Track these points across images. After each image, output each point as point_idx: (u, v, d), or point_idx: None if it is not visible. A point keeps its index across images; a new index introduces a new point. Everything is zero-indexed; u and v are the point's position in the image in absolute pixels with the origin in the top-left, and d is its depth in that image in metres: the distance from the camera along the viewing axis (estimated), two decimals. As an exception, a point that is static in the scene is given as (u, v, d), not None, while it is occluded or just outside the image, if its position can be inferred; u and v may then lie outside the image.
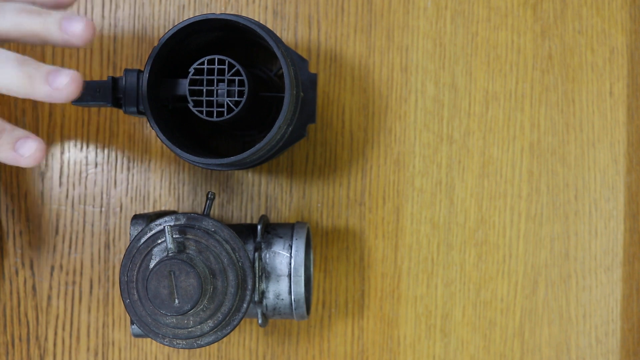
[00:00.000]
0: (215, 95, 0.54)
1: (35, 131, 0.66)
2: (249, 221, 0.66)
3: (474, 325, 0.66)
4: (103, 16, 0.66)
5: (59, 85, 0.48)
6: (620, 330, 0.67)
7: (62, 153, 0.66)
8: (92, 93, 0.56)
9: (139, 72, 0.55)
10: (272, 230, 0.60)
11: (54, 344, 0.66)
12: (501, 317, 0.66)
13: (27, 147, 0.50)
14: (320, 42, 0.66)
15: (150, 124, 0.54)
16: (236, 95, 0.54)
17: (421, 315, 0.66)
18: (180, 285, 0.52)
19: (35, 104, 0.66)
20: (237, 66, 0.54)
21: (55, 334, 0.66)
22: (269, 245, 0.59)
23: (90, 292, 0.66)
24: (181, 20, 0.59)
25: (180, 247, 0.54)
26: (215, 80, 0.54)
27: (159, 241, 0.55)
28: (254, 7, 0.66)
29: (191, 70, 0.54)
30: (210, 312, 0.54)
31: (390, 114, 0.66)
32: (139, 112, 0.56)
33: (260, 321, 0.59)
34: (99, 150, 0.66)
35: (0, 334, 0.66)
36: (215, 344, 0.65)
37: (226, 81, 0.54)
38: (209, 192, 0.58)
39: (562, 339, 0.66)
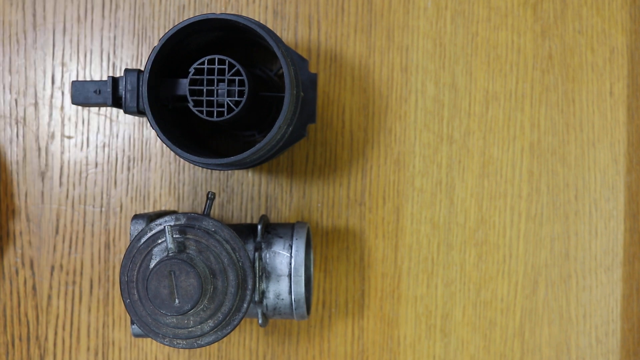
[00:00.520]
0: (215, 95, 0.54)
1: (36, 131, 0.66)
2: (249, 221, 0.66)
3: (474, 325, 0.66)
4: (103, 16, 0.66)
5: None
6: (620, 330, 0.67)
7: (62, 153, 0.66)
8: (92, 93, 0.56)
9: (139, 72, 0.55)
10: (272, 230, 0.60)
11: (54, 344, 0.66)
12: (501, 317, 0.66)
13: None
14: (320, 42, 0.66)
15: (150, 124, 0.54)
16: (236, 95, 0.54)
17: (421, 315, 0.66)
18: (181, 285, 0.52)
19: (36, 104, 0.66)
20: (237, 66, 0.54)
21: (55, 333, 0.66)
22: (269, 245, 0.59)
23: (91, 292, 0.66)
24: (181, 20, 0.59)
25: (181, 247, 0.54)
26: (215, 80, 0.54)
27: (159, 241, 0.55)
28: (254, 7, 0.66)
29: (191, 70, 0.54)
30: (210, 312, 0.54)
31: (390, 114, 0.66)
32: (139, 112, 0.56)
33: (260, 321, 0.59)
34: (99, 150, 0.66)
35: (0, 334, 0.66)
36: (216, 343, 0.65)
37: (226, 81, 0.54)
38: (209, 192, 0.58)
39: (562, 339, 0.66)
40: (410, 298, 0.66)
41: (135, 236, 0.56)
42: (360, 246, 0.66)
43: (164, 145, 0.60)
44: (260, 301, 0.59)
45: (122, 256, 0.64)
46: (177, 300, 0.52)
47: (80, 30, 0.66)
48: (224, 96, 0.54)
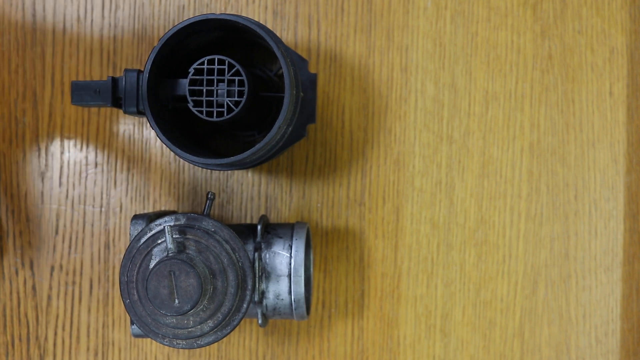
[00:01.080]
0: (215, 95, 0.54)
1: (35, 131, 0.66)
2: (249, 221, 0.66)
3: (474, 325, 0.66)
4: (103, 16, 0.66)
5: None
6: (620, 330, 0.67)
7: (62, 153, 0.66)
8: (92, 93, 0.56)
9: (139, 72, 0.55)
10: (272, 230, 0.60)
11: (54, 344, 0.66)
12: (501, 317, 0.66)
13: None
14: (320, 42, 0.66)
15: (150, 124, 0.54)
16: (236, 95, 0.54)
17: (421, 315, 0.66)
18: (180, 285, 0.52)
19: (35, 104, 0.66)
20: (237, 66, 0.54)
21: (55, 334, 0.66)
22: (269, 245, 0.59)
23: (90, 292, 0.66)
24: (181, 20, 0.59)
25: (180, 247, 0.54)
26: (215, 80, 0.54)
27: (159, 241, 0.55)
28: (254, 7, 0.66)
29: (191, 70, 0.54)
30: (210, 312, 0.54)
31: (390, 114, 0.66)
32: (139, 112, 0.56)
33: (260, 321, 0.59)
34: (99, 150, 0.66)
35: (0, 334, 0.66)
36: (215, 344, 0.65)
37: (226, 81, 0.54)
38: (209, 192, 0.58)
39: (562, 339, 0.66)
40: (410, 298, 0.66)
41: (135, 236, 0.56)
42: (360, 246, 0.66)
43: (164, 145, 0.60)
44: (260, 301, 0.59)
45: (122, 256, 0.64)
46: (176, 301, 0.52)
47: (80, 30, 0.66)
48: (224, 96, 0.54)
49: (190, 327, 0.54)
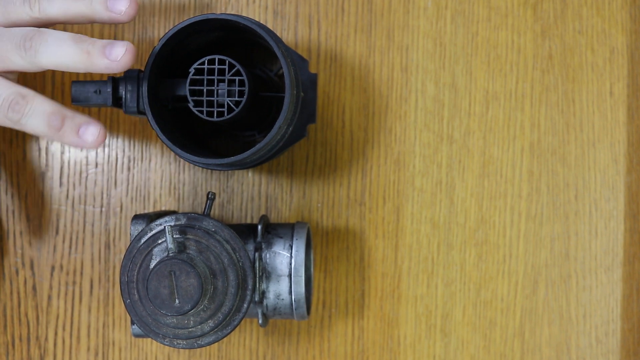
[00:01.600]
0: (215, 95, 0.54)
1: (36, 131, 0.66)
2: (249, 221, 0.66)
3: (474, 325, 0.66)
4: (103, 16, 0.66)
5: (116, 56, 0.52)
6: (620, 330, 0.67)
7: (62, 153, 0.66)
8: (92, 93, 0.56)
9: (139, 72, 0.55)
10: (272, 230, 0.60)
11: (54, 344, 0.66)
12: (501, 317, 0.66)
13: (89, 132, 0.54)
14: (320, 42, 0.66)
15: (150, 124, 0.54)
16: (236, 95, 0.54)
17: (421, 315, 0.66)
18: (181, 285, 0.52)
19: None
20: (238, 66, 0.54)
21: (56, 334, 0.66)
22: (270, 245, 0.59)
23: (91, 292, 0.66)
24: (181, 20, 0.59)
25: (181, 247, 0.54)
26: (215, 80, 0.54)
27: (160, 241, 0.55)
28: (254, 7, 0.66)
29: (191, 70, 0.54)
30: (210, 312, 0.54)
31: (390, 113, 0.66)
32: (139, 112, 0.56)
33: (260, 321, 0.59)
34: (99, 150, 0.66)
35: (0, 334, 0.66)
36: (216, 344, 0.65)
37: (226, 81, 0.54)
38: (209, 192, 0.58)
39: (562, 339, 0.66)
40: (410, 298, 0.66)
41: (136, 236, 0.56)
42: (360, 246, 0.66)
43: (164, 145, 0.60)
44: (261, 301, 0.59)
45: (122, 256, 0.64)
46: (177, 301, 0.52)
47: (80, 30, 0.66)
48: (224, 96, 0.54)
49: (190, 327, 0.54)
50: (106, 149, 0.66)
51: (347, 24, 0.66)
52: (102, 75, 0.66)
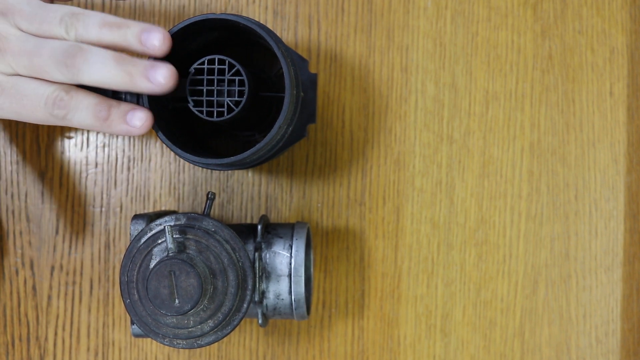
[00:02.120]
0: (215, 95, 0.54)
1: (36, 131, 0.66)
2: (249, 221, 0.66)
3: (474, 325, 0.66)
4: (103, 16, 0.66)
5: (159, 81, 0.52)
6: (620, 330, 0.67)
7: (62, 153, 0.66)
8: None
9: (139, 72, 0.55)
10: (272, 230, 0.60)
11: (54, 344, 0.66)
12: (501, 317, 0.66)
13: (137, 118, 0.54)
14: (320, 42, 0.66)
15: (150, 124, 0.54)
16: (236, 95, 0.54)
17: (421, 315, 0.66)
18: (181, 285, 0.52)
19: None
20: (237, 66, 0.54)
21: (55, 334, 0.66)
22: (269, 245, 0.59)
23: (91, 292, 0.66)
24: (181, 20, 0.59)
25: (181, 247, 0.54)
26: (215, 80, 0.54)
27: (159, 241, 0.55)
28: (254, 7, 0.66)
29: (191, 70, 0.54)
30: (210, 312, 0.54)
31: (390, 114, 0.66)
32: (139, 112, 0.56)
33: (260, 321, 0.59)
34: (99, 150, 0.66)
35: (0, 334, 0.66)
36: (216, 344, 0.65)
37: (226, 81, 0.54)
38: (209, 192, 0.58)
39: (562, 339, 0.66)
40: (410, 298, 0.66)
41: (136, 236, 0.56)
42: (360, 246, 0.66)
43: (164, 145, 0.60)
44: (260, 301, 0.59)
45: (122, 256, 0.64)
46: (177, 300, 0.52)
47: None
48: (224, 96, 0.54)
49: (190, 327, 0.54)
50: (106, 149, 0.66)
51: (347, 24, 0.66)
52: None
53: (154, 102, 0.55)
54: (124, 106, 0.54)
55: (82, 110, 0.53)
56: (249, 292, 0.55)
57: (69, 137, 0.66)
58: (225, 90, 0.54)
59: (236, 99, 0.54)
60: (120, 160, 0.66)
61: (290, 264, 0.59)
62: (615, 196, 0.67)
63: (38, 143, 0.66)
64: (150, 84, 0.52)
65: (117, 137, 0.66)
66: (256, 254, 0.58)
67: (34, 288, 0.66)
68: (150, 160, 0.66)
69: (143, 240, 0.55)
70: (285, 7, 0.66)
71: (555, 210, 0.67)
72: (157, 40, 0.52)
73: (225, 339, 0.66)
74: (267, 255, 0.59)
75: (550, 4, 0.66)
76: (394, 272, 0.66)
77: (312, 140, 0.66)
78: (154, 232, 0.55)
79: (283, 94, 0.56)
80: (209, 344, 0.55)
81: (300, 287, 0.58)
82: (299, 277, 0.58)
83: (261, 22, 0.64)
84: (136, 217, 0.58)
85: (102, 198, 0.66)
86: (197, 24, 0.54)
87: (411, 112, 0.66)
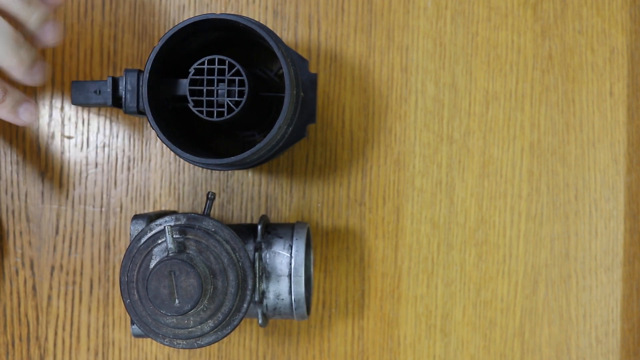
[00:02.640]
0: (215, 95, 0.54)
1: (36, 131, 0.66)
2: (249, 221, 0.66)
3: (474, 325, 0.66)
4: (103, 16, 0.66)
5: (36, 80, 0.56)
6: (620, 330, 0.67)
7: (62, 153, 0.66)
8: (92, 93, 0.56)
9: (139, 72, 0.55)
10: (272, 230, 0.60)
11: (54, 344, 0.66)
12: (501, 317, 0.66)
13: (28, 112, 0.56)
14: (320, 42, 0.66)
15: (150, 124, 0.54)
16: (236, 95, 0.54)
17: (421, 315, 0.66)
18: (181, 285, 0.52)
19: (36, 104, 0.66)
20: (237, 66, 0.54)
21: (56, 334, 0.66)
22: (269, 245, 0.59)
23: (91, 292, 0.66)
24: (181, 20, 0.59)
25: (181, 247, 0.54)
26: (215, 80, 0.54)
27: (159, 241, 0.55)
28: (254, 7, 0.66)
29: (191, 70, 0.54)
30: (210, 312, 0.54)
31: (390, 114, 0.66)
32: (139, 112, 0.56)
33: (260, 321, 0.59)
34: (99, 150, 0.66)
35: (0, 334, 0.66)
36: (216, 344, 0.65)
37: (226, 81, 0.54)
38: (209, 192, 0.58)
39: (562, 339, 0.66)
40: (410, 298, 0.66)
41: (136, 236, 0.56)
42: (360, 246, 0.66)
43: (164, 145, 0.60)
44: (260, 301, 0.59)
45: (122, 256, 0.64)
46: (177, 301, 0.52)
47: (80, 29, 0.66)
48: (224, 96, 0.54)
49: (190, 327, 0.54)
50: (106, 149, 0.66)
51: (347, 24, 0.66)
52: (102, 75, 0.66)
53: (154, 102, 0.55)
54: (19, 95, 0.55)
55: None
56: (249, 292, 0.55)
57: (69, 137, 0.66)
58: (225, 90, 0.54)
59: (236, 99, 0.54)
60: (120, 160, 0.66)
61: (290, 264, 0.59)
62: (615, 196, 0.67)
63: (38, 143, 0.66)
64: (26, 78, 0.54)
65: (117, 137, 0.66)
66: (256, 254, 0.58)
67: (34, 288, 0.66)
68: (150, 160, 0.66)
69: (143, 240, 0.55)
70: (285, 7, 0.66)
71: (555, 210, 0.67)
72: (52, 38, 0.55)
73: (225, 339, 0.66)
74: (267, 255, 0.59)
75: (550, 4, 0.66)
76: (394, 272, 0.66)
77: (312, 140, 0.66)
78: (154, 232, 0.55)
79: (283, 94, 0.56)
80: (209, 344, 0.55)
81: (300, 287, 0.58)
82: (299, 277, 0.58)
83: (261, 22, 0.64)
84: (136, 217, 0.58)
85: (102, 198, 0.66)
86: (197, 24, 0.54)
87: (411, 112, 0.66)
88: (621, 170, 0.67)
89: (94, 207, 0.66)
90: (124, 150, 0.66)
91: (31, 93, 0.66)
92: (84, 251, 0.66)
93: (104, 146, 0.66)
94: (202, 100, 0.54)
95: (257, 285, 0.58)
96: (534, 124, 0.67)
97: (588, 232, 0.67)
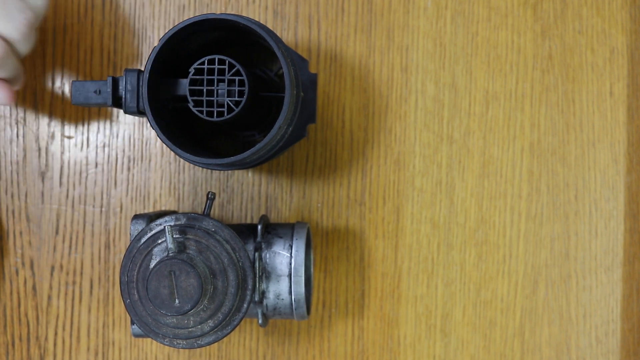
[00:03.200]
0: (215, 95, 0.54)
1: (36, 131, 0.66)
2: (249, 221, 0.66)
3: (474, 325, 0.66)
4: (103, 16, 0.66)
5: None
6: (620, 330, 0.67)
7: (62, 153, 0.66)
8: (92, 93, 0.56)
9: (139, 72, 0.55)
10: (272, 230, 0.60)
11: (54, 344, 0.66)
12: (501, 317, 0.66)
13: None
14: (320, 42, 0.66)
15: (150, 124, 0.54)
16: (236, 95, 0.54)
17: (421, 315, 0.66)
18: (181, 285, 0.52)
19: (35, 104, 0.66)
20: (238, 66, 0.54)
21: (56, 334, 0.66)
22: (269, 245, 0.59)
23: (91, 292, 0.66)
24: (181, 20, 0.59)
25: (181, 247, 0.54)
26: (215, 80, 0.54)
27: (159, 241, 0.55)
28: (254, 7, 0.66)
29: (191, 70, 0.54)
30: (210, 312, 0.54)
31: (390, 114, 0.66)
32: (139, 112, 0.56)
33: (260, 321, 0.59)
34: (99, 150, 0.66)
35: (0, 334, 0.66)
36: (216, 344, 0.65)
37: (226, 81, 0.54)
38: (209, 192, 0.58)
39: (562, 339, 0.66)
40: (410, 298, 0.66)
41: (136, 236, 0.56)
42: (360, 246, 0.66)
43: (164, 145, 0.60)
44: (260, 301, 0.59)
45: (122, 256, 0.64)
46: (177, 300, 0.52)
47: (80, 29, 0.66)
48: (224, 96, 0.54)
49: (190, 327, 0.54)
50: (106, 149, 0.66)
51: (347, 24, 0.66)
52: (102, 75, 0.66)
53: (154, 102, 0.55)
54: None
55: None
56: (249, 292, 0.55)
57: (69, 137, 0.66)
58: (225, 90, 0.54)
59: (236, 99, 0.54)
60: (120, 160, 0.66)
61: (290, 264, 0.59)
62: (615, 196, 0.67)
63: (38, 143, 0.66)
64: None
65: (117, 137, 0.66)
66: (256, 254, 0.58)
67: (34, 288, 0.66)
68: (150, 160, 0.66)
69: (143, 240, 0.55)
70: (285, 7, 0.66)
71: (555, 210, 0.67)
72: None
73: (225, 339, 0.66)
74: (267, 255, 0.59)
75: (550, 4, 0.66)
76: (394, 272, 0.66)
77: (312, 140, 0.66)
78: (154, 232, 0.55)
79: (283, 94, 0.56)
80: (209, 344, 0.55)
81: (300, 287, 0.58)
82: (299, 277, 0.58)
83: (261, 22, 0.64)
84: (136, 217, 0.58)
85: (102, 198, 0.66)
86: (197, 24, 0.54)
87: (411, 112, 0.66)
88: (621, 170, 0.67)
89: (94, 207, 0.66)
90: (124, 150, 0.66)
91: (31, 93, 0.66)
92: (84, 251, 0.66)
93: (104, 146, 0.66)
94: (202, 100, 0.54)
95: (257, 285, 0.58)
96: (534, 124, 0.67)
97: (588, 232, 0.67)
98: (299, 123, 0.59)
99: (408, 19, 0.66)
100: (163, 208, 0.66)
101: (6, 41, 0.56)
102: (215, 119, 0.54)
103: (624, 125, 0.67)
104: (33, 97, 0.66)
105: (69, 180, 0.66)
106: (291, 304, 0.59)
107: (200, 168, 0.66)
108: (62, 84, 0.66)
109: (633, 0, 0.67)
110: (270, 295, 0.59)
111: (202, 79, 0.54)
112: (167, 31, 0.58)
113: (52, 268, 0.66)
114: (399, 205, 0.66)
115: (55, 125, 0.66)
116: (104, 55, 0.66)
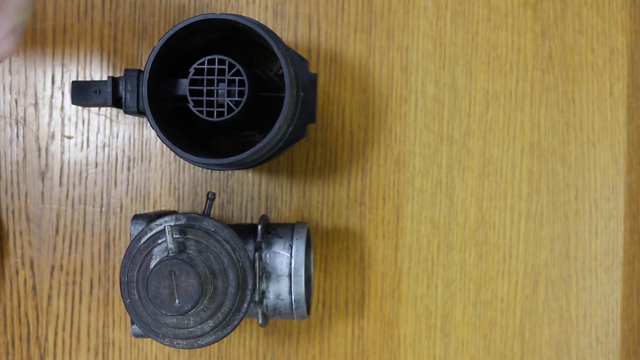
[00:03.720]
0: (215, 95, 0.54)
1: (36, 131, 0.66)
2: (249, 221, 0.66)
3: (474, 325, 0.66)
4: (103, 16, 0.66)
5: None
6: (620, 330, 0.67)
7: (62, 153, 0.66)
8: (92, 93, 0.56)
9: (139, 72, 0.55)
10: (272, 230, 0.60)
11: (54, 344, 0.66)
12: (501, 317, 0.66)
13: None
14: (320, 42, 0.66)
15: (150, 124, 0.54)
16: (236, 95, 0.54)
17: (421, 315, 0.66)
18: (181, 285, 0.52)
19: (35, 104, 0.66)
20: (238, 66, 0.54)
21: (56, 334, 0.66)
22: (269, 245, 0.59)
23: (91, 292, 0.66)
24: (181, 20, 0.59)
25: (181, 247, 0.54)
26: (215, 80, 0.54)
27: (160, 241, 0.55)
28: (254, 7, 0.66)
29: (191, 70, 0.54)
30: (210, 312, 0.54)
31: (390, 114, 0.66)
32: (139, 112, 0.56)
33: (260, 321, 0.59)
34: (99, 150, 0.66)
35: (0, 334, 0.66)
36: (216, 344, 0.65)
37: (226, 81, 0.54)
38: (209, 192, 0.58)
39: (562, 339, 0.66)
40: (410, 298, 0.66)
41: (136, 236, 0.56)
42: (360, 246, 0.66)
43: (164, 145, 0.60)
44: (260, 301, 0.59)
45: (122, 256, 0.64)
46: (177, 301, 0.52)
47: (80, 29, 0.66)
48: (224, 96, 0.54)
49: (190, 327, 0.54)
50: (106, 149, 0.66)
51: (347, 24, 0.66)
52: (102, 75, 0.66)
53: (154, 102, 0.55)
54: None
55: None
56: (249, 292, 0.55)
57: (69, 137, 0.66)
58: (225, 90, 0.54)
59: (236, 99, 0.54)
60: (120, 160, 0.66)
61: (291, 264, 0.59)
62: (615, 196, 0.67)
63: (38, 143, 0.66)
64: None
65: (117, 137, 0.66)
66: (256, 254, 0.58)
67: (34, 288, 0.66)
68: (150, 160, 0.66)
69: (143, 240, 0.55)
70: (285, 7, 0.66)
71: (555, 210, 0.67)
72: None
73: (225, 339, 0.66)
74: (267, 255, 0.59)
75: (550, 4, 0.66)
76: (394, 272, 0.66)
77: (312, 140, 0.66)
78: (154, 232, 0.55)
79: (283, 94, 0.56)
80: (209, 344, 0.55)
81: (300, 287, 0.58)
82: (299, 277, 0.58)
83: (261, 22, 0.64)
84: (136, 217, 0.58)
85: (102, 198, 0.66)
86: (197, 24, 0.54)
87: (411, 112, 0.66)
88: (621, 170, 0.67)
89: (94, 207, 0.66)
90: (124, 150, 0.66)
91: (31, 93, 0.66)
92: (84, 251, 0.66)
93: (104, 146, 0.66)
94: (202, 100, 0.54)
95: (257, 285, 0.58)
96: (534, 124, 0.67)
97: (588, 232, 0.67)
98: (299, 123, 0.59)
99: (408, 19, 0.66)
100: (163, 208, 0.66)
101: None
102: (215, 119, 0.54)
103: (624, 125, 0.67)
104: (33, 97, 0.66)
105: (69, 180, 0.66)
106: (291, 304, 0.59)
107: (200, 168, 0.66)
108: (62, 84, 0.66)
109: (633, 0, 0.67)
110: (270, 295, 0.59)
111: (202, 79, 0.54)
112: (167, 31, 0.58)
113: (52, 268, 0.66)
114: (399, 205, 0.66)
115: (55, 125, 0.66)
116: (104, 55, 0.66)
